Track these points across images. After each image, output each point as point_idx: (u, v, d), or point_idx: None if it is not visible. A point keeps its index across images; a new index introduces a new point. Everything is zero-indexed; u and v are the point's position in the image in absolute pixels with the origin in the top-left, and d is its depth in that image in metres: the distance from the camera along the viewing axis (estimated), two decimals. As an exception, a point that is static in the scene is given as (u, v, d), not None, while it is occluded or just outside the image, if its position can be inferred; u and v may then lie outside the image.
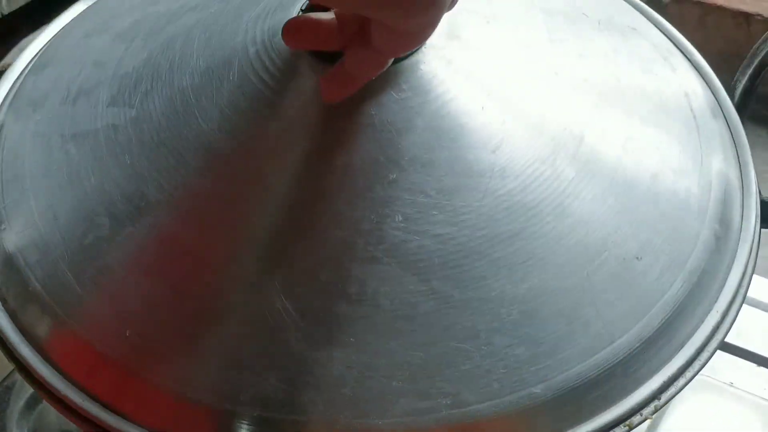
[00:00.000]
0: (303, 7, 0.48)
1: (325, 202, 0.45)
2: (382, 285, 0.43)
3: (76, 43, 0.57)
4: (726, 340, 0.49)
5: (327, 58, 0.46)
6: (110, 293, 0.46)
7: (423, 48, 0.47)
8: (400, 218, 0.44)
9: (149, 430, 0.43)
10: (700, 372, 0.47)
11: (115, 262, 0.46)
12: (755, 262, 0.52)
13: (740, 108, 0.58)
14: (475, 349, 0.42)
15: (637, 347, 0.45)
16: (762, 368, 0.73)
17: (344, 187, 0.45)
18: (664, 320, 0.46)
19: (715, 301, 0.49)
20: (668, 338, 0.46)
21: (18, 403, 0.66)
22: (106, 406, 0.44)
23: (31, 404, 0.67)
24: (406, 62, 0.47)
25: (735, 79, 0.59)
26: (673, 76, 0.55)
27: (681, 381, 0.46)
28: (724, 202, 0.51)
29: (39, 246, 0.47)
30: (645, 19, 0.59)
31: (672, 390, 0.46)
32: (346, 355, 0.42)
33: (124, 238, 0.46)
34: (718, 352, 0.48)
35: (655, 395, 0.45)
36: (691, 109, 0.54)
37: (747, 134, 0.56)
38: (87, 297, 0.46)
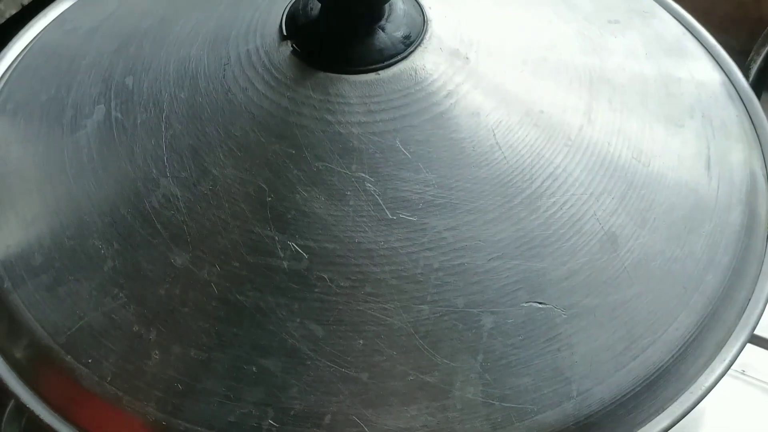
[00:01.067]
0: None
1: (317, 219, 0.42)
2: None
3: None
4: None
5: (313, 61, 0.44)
6: (96, 324, 0.42)
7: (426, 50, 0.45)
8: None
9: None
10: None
11: (103, 289, 0.42)
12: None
13: (755, 87, 0.55)
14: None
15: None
16: (774, 355, 0.71)
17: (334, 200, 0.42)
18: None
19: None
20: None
21: (8, 403, 0.64)
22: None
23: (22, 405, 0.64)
24: (403, 65, 0.44)
25: (749, 58, 0.56)
26: (687, 62, 0.52)
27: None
28: (749, 192, 0.48)
29: (25, 269, 0.44)
30: (655, 4, 0.56)
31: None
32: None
33: (112, 263, 0.43)
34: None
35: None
36: (708, 97, 0.51)
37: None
38: (73, 328, 0.42)
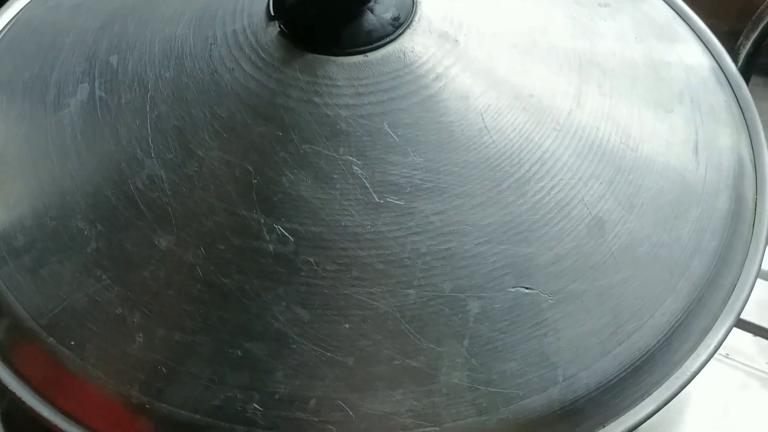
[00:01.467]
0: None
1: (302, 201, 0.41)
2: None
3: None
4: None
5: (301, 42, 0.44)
6: (79, 306, 0.42)
7: (415, 32, 0.44)
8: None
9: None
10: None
11: (86, 271, 0.42)
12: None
13: (744, 72, 0.55)
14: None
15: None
16: (759, 338, 0.71)
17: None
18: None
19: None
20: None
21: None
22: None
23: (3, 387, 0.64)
24: (391, 47, 0.44)
25: (738, 43, 0.56)
26: (677, 47, 0.52)
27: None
28: (737, 177, 0.48)
29: (7, 250, 0.44)
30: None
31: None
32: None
33: (95, 245, 0.42)
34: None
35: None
36: (697, 82, 0.51)
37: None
38: (56, 310, 0.42)
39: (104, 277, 0.42)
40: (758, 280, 0.71)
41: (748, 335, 0.71)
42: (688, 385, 0.44)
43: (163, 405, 0.40)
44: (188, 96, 0.44)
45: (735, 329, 0.70)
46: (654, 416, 0.43)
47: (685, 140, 0.48)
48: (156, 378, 0.40)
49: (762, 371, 0.70)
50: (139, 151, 0.43)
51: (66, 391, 0.42)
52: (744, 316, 0.70)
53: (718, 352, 0.69)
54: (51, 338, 0.42)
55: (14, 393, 0.42)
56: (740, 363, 0.70)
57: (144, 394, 0.40)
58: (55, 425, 0.41)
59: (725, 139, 0.49)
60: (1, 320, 0.43)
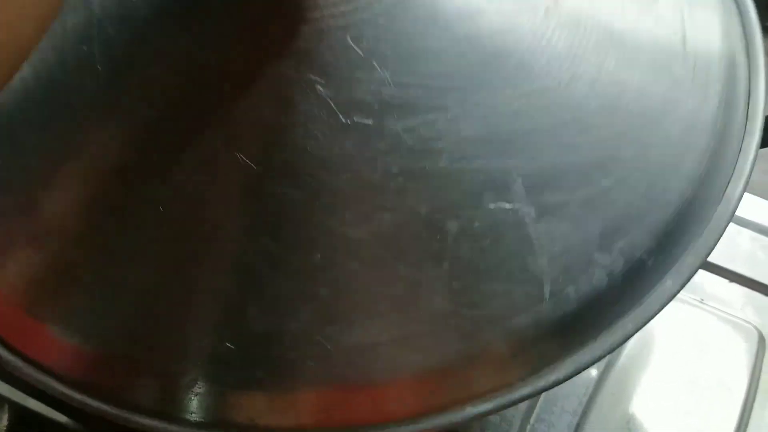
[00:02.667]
0: None
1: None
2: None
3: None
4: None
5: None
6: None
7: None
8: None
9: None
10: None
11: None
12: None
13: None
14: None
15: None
16: (734, 284, 0.71)
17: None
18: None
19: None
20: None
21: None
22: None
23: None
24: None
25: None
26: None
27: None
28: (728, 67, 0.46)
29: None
30: None
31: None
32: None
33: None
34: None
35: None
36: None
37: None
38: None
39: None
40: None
41: (724, 281, 0.71)
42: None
43: (135, 346, 0.39)
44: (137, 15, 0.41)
45: (711, 275, 0.70)
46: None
47: (672, 32, 0.45)
48: (127, 319, 0.39)
49: (736, 316, 0.70)
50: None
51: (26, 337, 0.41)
52: (720, 262, 0.70)
53: (693, 297, 0.69)
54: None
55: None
56: (715, 308, 0.71)
57: (116, 338, 0.39)
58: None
59: (714, 26, 0.46)
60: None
